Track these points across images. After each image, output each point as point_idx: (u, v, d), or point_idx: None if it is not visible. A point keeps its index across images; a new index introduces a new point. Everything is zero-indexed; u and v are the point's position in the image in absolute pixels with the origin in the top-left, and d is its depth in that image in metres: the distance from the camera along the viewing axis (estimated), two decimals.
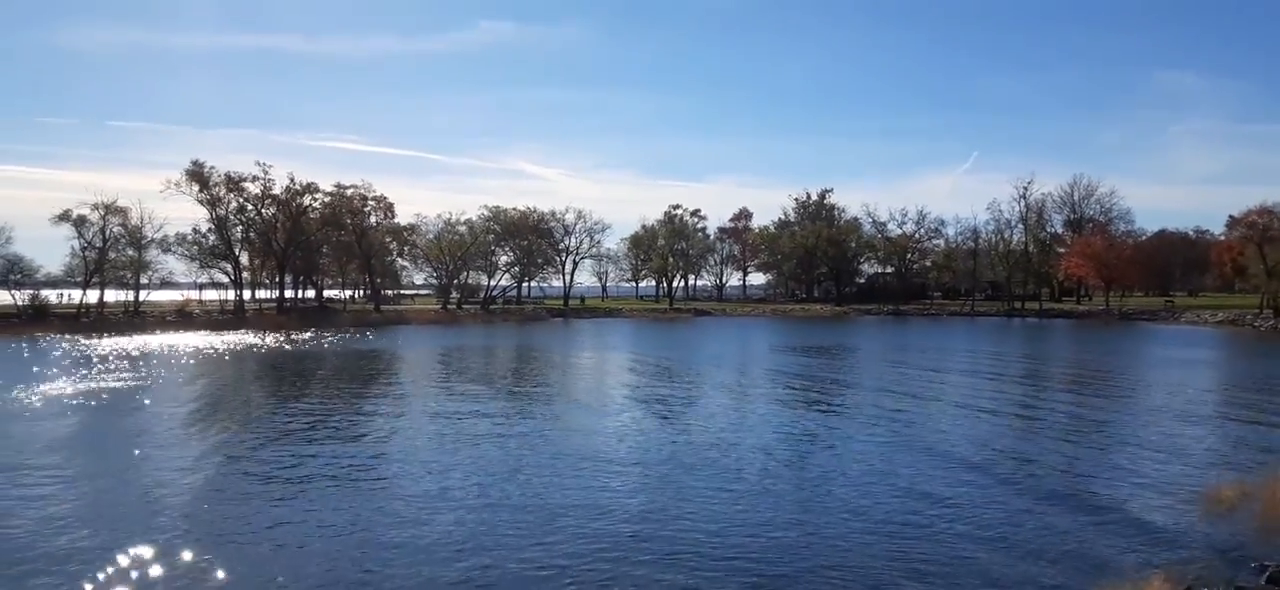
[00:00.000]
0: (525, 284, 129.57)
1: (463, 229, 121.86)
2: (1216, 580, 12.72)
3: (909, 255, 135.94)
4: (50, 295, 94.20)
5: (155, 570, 13.61)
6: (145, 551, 14.42)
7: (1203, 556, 14.09)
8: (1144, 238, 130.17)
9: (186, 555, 14.29)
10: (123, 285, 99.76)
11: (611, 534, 15.53)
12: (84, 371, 44.52)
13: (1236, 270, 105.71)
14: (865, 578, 13.25)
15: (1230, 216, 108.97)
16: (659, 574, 13.54)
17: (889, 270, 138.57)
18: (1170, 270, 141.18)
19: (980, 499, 18.01)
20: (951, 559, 14.19)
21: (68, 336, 72.85)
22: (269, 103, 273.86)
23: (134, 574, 13.46)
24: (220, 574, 13.43)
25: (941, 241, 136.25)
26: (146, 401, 33.65)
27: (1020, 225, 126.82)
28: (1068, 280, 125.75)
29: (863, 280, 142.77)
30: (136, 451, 23.40)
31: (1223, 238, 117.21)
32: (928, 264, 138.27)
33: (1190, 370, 44.94)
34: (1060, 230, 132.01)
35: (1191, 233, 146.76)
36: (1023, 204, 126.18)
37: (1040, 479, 20.03)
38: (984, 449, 23.54)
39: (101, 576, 13.29)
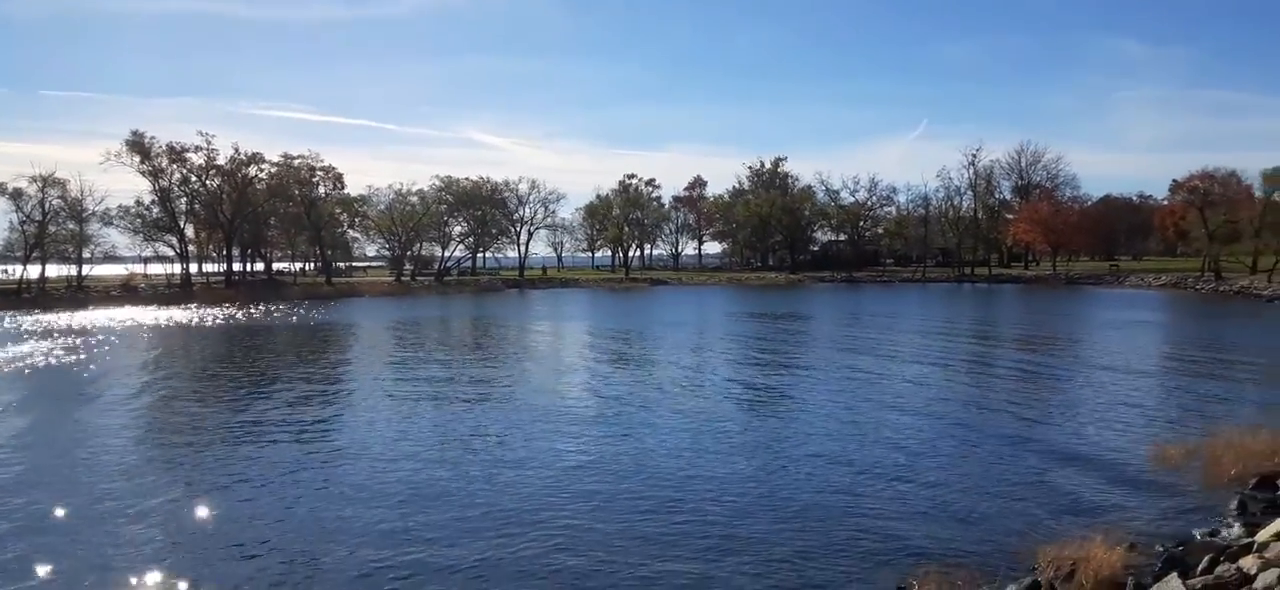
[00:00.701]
0: (480, 255, 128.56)
1: (414, 199, 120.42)
2: (1159, 538, 12.98)
3: (861, 223, 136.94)
4: None
5: (99, 547, 13.23)
6: (90, 528, 14.03)
7: (1146, 515, 14.34)
8: (1089, 203, 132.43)
9: (134, 531, 13.91)
10: (65, 260, 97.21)
11: (573, 492, 15.46)
12: (26, 349, 43.32)
13: (1179, 234, 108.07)
14: (819, 532, 13.30)
15: (1173, 181, 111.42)
16: (624, 528, 13.50)
17: (842, 238, 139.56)
18: (1115, 235, 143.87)
19: (929, 462, 18.18)
20: (898, 517, 14.30)
21: (8, 313, 70.89)
22: (210, 71, 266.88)
23: (81, 550, 13.07)
24: (170, 549, 13.09)
25: (893, 209, 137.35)
26: (92, 380, 32.80)
27: (969, 192, 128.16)
28: (1016, 246, 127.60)
29: (816, 248, 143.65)
30: (83, 431, 22.75)
31: (1165, 202, 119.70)
32: (880, 231, 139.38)
33: (1135, 332, 45.93)
34: (1008, 196, 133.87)
35: (1135, 198, 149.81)
36: (971, 171, 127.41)
37: (986, 441, 20.27)
38: (933, 413, 23.79)
39: (54, 553, 12.90)
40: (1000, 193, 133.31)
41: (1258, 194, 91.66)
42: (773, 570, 12.20)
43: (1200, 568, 11.04)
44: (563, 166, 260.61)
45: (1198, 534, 13.03)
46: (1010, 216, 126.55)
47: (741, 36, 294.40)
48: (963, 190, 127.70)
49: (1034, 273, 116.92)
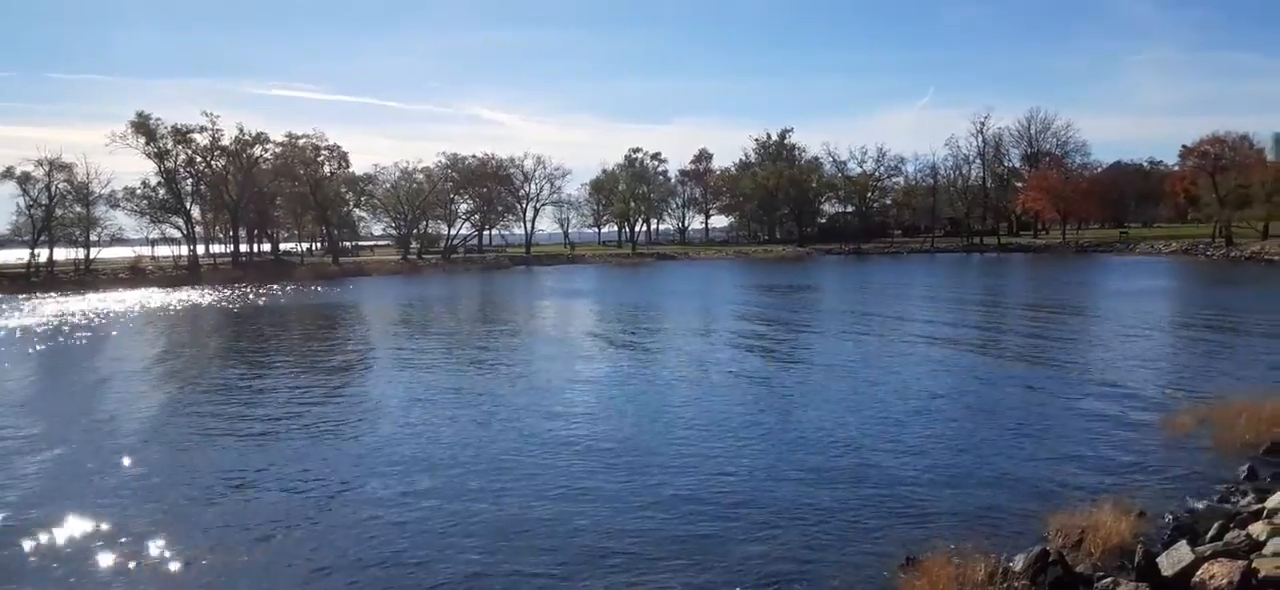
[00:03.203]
0: (486, 232, 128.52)
1: (420, 177, 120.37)
2: (1169, 505, 12.86)
3: (869, 194, 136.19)
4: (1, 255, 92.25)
5: (107, 536, 13.23)
6: (96, 518, 14.00)
7: (1155, 482, 14.22)
8: (1099, 170, 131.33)
9: (140, 518, 13.91)
10: (72, 243, 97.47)
11: (586, 470, 15.42)
12: (34, 332, 43.46)
13: (1189, 200, 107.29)
14: (827, 502, 13.21)
15: (1183, 147, 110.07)
16: (633, 495, 13.44)
17: (850, 209, 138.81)
18: (1125, 202, 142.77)
19: (940, 429, 18.09)
20: (905, 487, 14.21)
21: (19, 296, 71.25)
22: (214, 50, 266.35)
23: (85, 542, 13.08)
24: (177, 538, 13.08)
25: (901, 179, 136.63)
26: (99, 362, 32.89)
27: (978, 160, 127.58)
28: (1025, 214, 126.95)
29: (824, 220, 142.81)
30: (89, 415, 22.76)
31: (1176, 168, 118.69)
32: (888, 202, 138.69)
33: (1144, 299, 45.62)
34: (1017, 164, 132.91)
35: (1146, 164, 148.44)
36: (980, 139, 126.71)
37: (997, 408, 20.19)
38: (943, 381, 23.69)
39: (53, 543, 12.91)
40: (1009, 161, 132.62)
41: (1269, 158, 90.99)
42: (779, 539, 12.13)
43: (1210, 534, 10.98)
44: (568, 141, 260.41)
45: (1208, 501, 12.93)
46: (1019, 185, 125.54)
47: (745, 3, 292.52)
48: (971, 159, 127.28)
49: (1043, 241, 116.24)
